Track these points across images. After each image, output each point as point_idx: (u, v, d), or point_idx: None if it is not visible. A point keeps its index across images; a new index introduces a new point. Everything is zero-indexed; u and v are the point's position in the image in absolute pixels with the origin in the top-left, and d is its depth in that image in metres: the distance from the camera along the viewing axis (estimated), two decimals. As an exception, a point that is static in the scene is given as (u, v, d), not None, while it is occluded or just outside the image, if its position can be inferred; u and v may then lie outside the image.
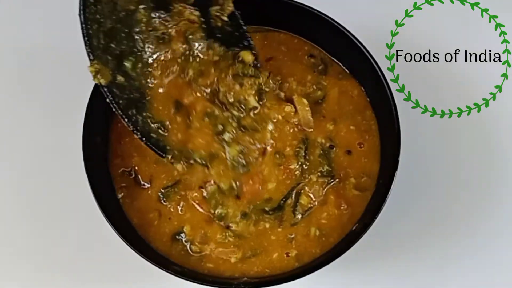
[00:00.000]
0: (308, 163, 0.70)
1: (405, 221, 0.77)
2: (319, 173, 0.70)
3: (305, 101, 0.71)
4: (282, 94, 0.72)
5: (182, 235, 0.70)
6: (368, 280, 0.77)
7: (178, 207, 0.71)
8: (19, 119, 0.81)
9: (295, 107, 0.71)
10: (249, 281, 0.67)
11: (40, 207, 0.78)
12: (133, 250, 0.65)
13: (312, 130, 0.72)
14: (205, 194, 0.70)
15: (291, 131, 0.71)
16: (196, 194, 0.70)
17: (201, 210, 0.70)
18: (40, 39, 0.83)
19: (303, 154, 0.70)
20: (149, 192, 0.71)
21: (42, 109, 0.81)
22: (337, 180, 0.71)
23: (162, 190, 0.71)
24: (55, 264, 0.77)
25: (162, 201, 0.71)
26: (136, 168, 0.72)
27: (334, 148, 0.71)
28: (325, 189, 0.70)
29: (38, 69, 0.82)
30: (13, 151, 0.80)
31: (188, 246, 0.70)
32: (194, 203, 0.70)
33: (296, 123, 0.71)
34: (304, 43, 0.76)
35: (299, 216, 0.70)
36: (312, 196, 0.70)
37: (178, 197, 0.71)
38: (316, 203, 0.70)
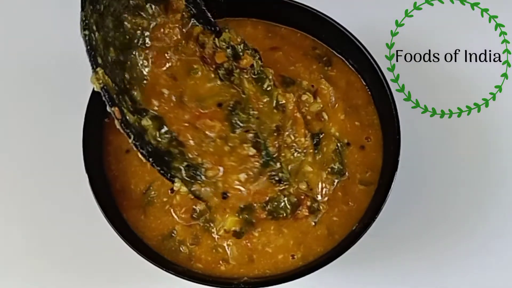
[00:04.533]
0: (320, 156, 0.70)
1: (405, 221, 0.77)
2: (329, 169, 0.70)
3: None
4: (305, 83, 0.72)
5: (174, 232, 0.70)
6: (368, 280, 0.77)
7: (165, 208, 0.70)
8: (19, 119, 0.81)
9: (315, 95, 0.72)
10: (249, 280, 0.67)
11: (39, 207, 0.78)
12: (141, 255, 0.65)
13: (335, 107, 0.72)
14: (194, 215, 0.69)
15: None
16: (184, 213, 0.69)
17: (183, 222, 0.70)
18: (41, 40, 0.83)
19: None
20: (134, 191, 0.71)
21: (42, 109, 0.81)
22: (346, 176, 0.70)
23: (145, 192, 0.71)
24: (55, 264, 0.77)
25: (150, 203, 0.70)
26: (123, 168, 0.72)
27: (350, 145, 0.71)
28: (334, 186, 0.70)
29: (38, 69, 0.82)
30: (13, 151, 0.80)
31: (179, 246, 0.69)
32: (179, 220, 0.70)
33: (319, 109, 0.71)
34: (306, 38, 0.76)
35: (313, 219, 0.69)
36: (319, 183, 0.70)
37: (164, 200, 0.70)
38: (326, 198, 0.70)
